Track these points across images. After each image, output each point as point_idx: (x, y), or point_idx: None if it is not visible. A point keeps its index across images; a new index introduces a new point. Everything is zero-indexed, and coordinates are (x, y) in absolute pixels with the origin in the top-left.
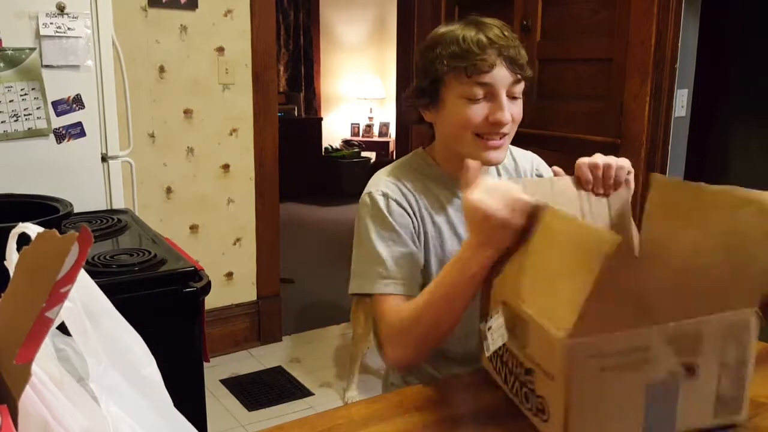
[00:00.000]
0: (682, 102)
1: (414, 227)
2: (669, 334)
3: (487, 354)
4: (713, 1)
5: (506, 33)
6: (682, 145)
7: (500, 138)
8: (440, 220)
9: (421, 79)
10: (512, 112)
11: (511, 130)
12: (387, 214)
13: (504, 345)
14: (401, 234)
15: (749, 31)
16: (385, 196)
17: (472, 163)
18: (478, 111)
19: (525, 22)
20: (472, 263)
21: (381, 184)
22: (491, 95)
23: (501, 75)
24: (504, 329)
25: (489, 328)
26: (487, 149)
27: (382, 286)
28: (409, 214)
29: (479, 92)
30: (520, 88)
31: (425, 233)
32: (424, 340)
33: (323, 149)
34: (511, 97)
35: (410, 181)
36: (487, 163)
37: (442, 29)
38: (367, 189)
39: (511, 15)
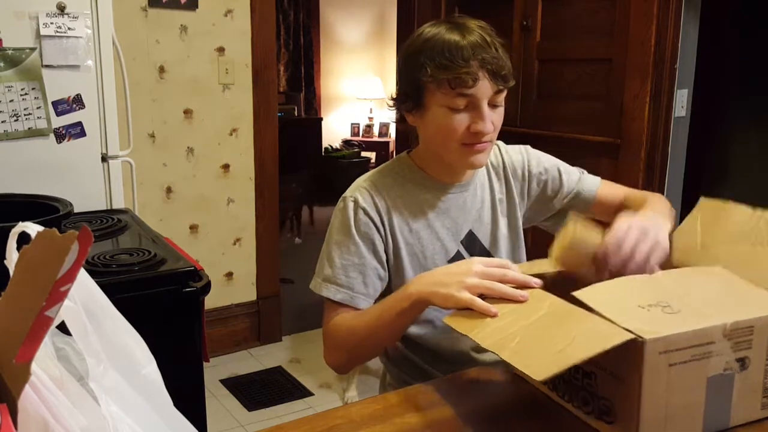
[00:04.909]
0: (682, 102)
1: (380, 237)
2: (728, 328)
3: None
4: (713, 1)
5: (489, 39)
6: (682, 145)
7: (482, 144)
8: (420, 225)
9: (405, 84)
10: (493, 120)
11: (493, 137)
12: (352, 223)
13: None
14: (359, 245)
15: (749, 31)
16: (356, 203)
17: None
18: (461, 120)
19: (525, 22)
20: (403, 308)
21: (356, 191)
22: (473, 105)
23: (483, 87)
24: None
25: None
26: (472, 154)
27: (324, 288)
28: (375, 225)
29: (461, 103)
30: (501, 97)
31: (395, 243)
32: (356, 349)
33: (323, 149)
34: (492, 105)
35: (390, 188)
36: (471, 167)
37: (426, 33)
38: (345, 193)
39: (511, 15)
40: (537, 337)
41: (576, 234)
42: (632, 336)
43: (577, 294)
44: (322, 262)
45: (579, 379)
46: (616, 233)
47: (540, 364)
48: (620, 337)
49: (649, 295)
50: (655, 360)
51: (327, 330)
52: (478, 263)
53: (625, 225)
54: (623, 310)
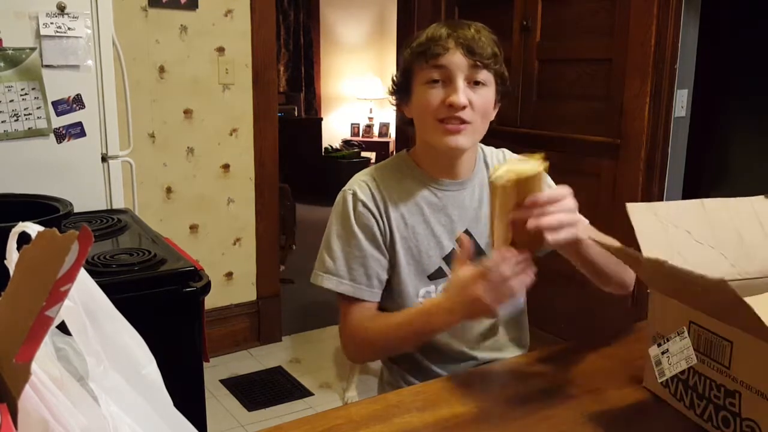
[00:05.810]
0: (682, 102)
1: (379, 229)
2: None
3: (661, 380)
4: (713, 1)
5: (475, 28)
6: (682, 145)
7: (459, 123)
8: (415, 219)
9: (398, 74)
10: (472, 98)
11: (472, 118)
12: (351, 214)
13: (690, 368)
14: (360, 237)
15: (749, 31)
16: (354, 195)
17: (464, 238)
18: (436, 95)
19: (525, 22)
20: (440, 323)
21: (355, 184)
22: (448, 79)
23: (457, 59)
24: (691, 351)
25: (664, 352)
26: (446, 134)
27: (326, 280)
28: (374, 215)
29: (436, 75)
30: (482, 75)
31: (392, 235)
32: (385, 351)
33: (323, 149)
34: (472, 82)
35: (387, 181)
36: (446, 148)
37: (418, 32)
38: (344, 186)
39: (511, 15)
40: None
41: (538, 179)
42: None
43: (749, 299)
44: (323, 255)
45: (720, 398)
46: (556, 191)
47: None
48: None
49: None
50: None
51: (351, 328)
52: (478, 289)
53: (570, 197)
54: None
